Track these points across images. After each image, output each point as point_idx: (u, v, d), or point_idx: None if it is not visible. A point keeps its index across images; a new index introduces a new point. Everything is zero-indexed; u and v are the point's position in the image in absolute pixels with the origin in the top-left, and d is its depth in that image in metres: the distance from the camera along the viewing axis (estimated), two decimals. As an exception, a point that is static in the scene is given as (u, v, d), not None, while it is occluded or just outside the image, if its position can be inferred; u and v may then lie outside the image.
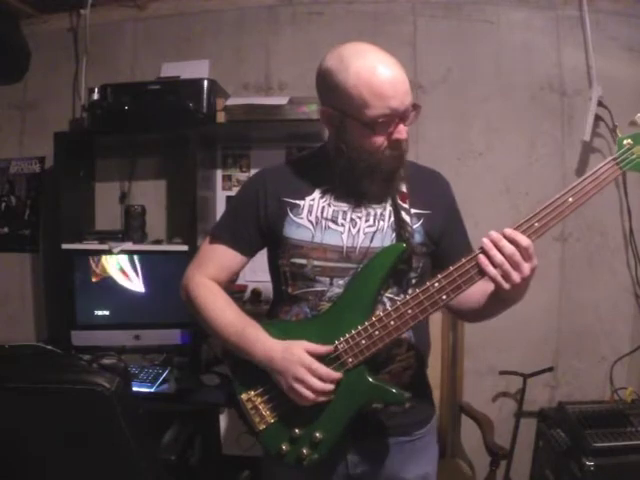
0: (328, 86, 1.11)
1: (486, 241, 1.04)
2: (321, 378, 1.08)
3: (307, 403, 1.10)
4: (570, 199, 1.05)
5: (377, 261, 1.13)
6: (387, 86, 1.06)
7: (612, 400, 2.27)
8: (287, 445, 1.14)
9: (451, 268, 1.07)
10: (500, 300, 1.13)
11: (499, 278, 1.03)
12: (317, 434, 1.12)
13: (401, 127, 1.10)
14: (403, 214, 1.17)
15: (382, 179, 1.16)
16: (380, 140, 1.10)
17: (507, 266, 1.02)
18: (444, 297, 1.07)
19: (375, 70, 1.06)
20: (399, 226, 1.17)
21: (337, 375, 1.09)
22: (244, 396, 1.18)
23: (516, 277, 1.02)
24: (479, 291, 1.15)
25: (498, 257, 1.02)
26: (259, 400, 1.17)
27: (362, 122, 1.08)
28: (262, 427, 1.16)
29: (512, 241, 1.02)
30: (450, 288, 1.06)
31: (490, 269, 1.03)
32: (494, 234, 1.04)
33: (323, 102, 1.16)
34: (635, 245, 2.34)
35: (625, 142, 1.07)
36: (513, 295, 1.08)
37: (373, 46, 1.11)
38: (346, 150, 1.15)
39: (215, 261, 1.25)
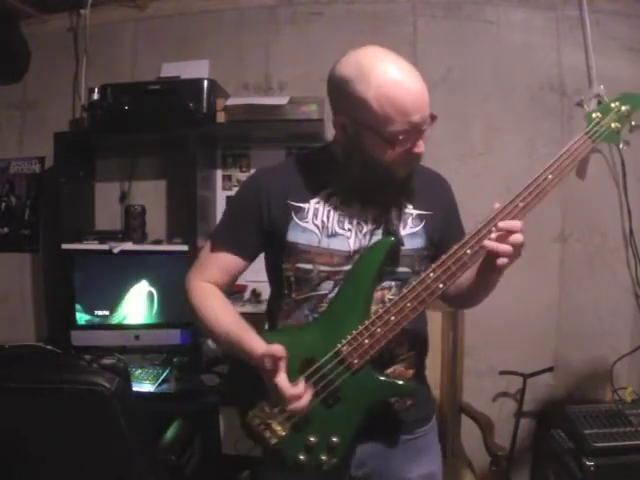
0: (344, 95, 1.08)
1: (490, 243, 1.06)
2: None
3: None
4: (550, 176, 1.09)
5: (367, 259, 1.13)
6: (410, 102, 1.04)
7: (612, 400, 2.27)
8: (304, 455, 1.12)
9: (444, 257, 1.08)
10: (487, 283, 1.17)
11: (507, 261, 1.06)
12: (333, 438, 1.11)
13: (420, 141, 1.09)
14: (392, 210, 1.17)
15: (394, 186, 1.15)
16: (398, 153, 1.08)
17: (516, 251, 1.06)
18: (441, 286, 1.08)
19: (398, 84, 1.03)
20: (386, 221, 1.17)
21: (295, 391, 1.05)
22: (250, 415, 1.14)
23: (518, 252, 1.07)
24: (465, 278, 1.16)
25: (507, 249, 1.05)
26: (267, 415, 1.13)
27: (382, 136, 1.06)
28: (274, 441, 1.13)
29: (510, 230, 1.05)
30: (445, 276, 1.08)
31: (501, 261, 1.06)
32: (493, 236, 1.06)
33: (337, 111, 1.12)
34: (635, 245, 2.34)
35: (594, 115, 1.12)
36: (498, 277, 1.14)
37: (391, 53, 1.07)
38: (359, 159, 1.12)
39: (215, 266, 1.23)
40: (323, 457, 1.11)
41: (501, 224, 1.06)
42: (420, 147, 1.09)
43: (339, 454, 1.12)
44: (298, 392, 1.05)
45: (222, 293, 1.24)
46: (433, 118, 1.10)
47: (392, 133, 1.05)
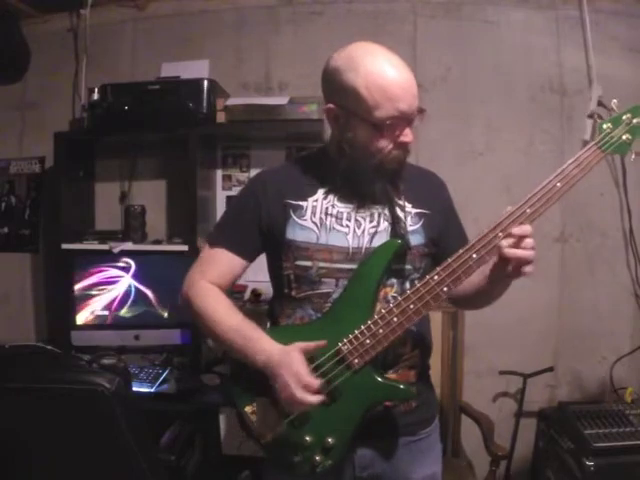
0: (335, 85, 1.11)
1: (508, 250, 1.05)
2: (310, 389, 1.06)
3: (299, 409, 1.08)
4: (558, 184, 1.08)
5: (374, 259, 1.13)
6: (397, 88, 1.06)
7: (612, 400, 2.27)
8: (298, 454, 1.12)
9: (449, 260, 1.08)
10: (500, 289, 1.17)
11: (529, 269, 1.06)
12: (329, 439, 1.10)
13: (407, 130, 1.11)
14: (398, 210, 1.18)
15: (385, 179, 1.16)
16: (386, 142, 1.10)
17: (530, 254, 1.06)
18: (445, 289, 1.08)
19: (386, 72, 1.07)
20: (394, 222, 1.17)
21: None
22: (248, 408, 1.15)
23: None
24: (471, 281, 1.16)
25: (530, 255, 1.05)
26: (264, 411, 1.14)
27: (370, 123, 1.08)
28: (269, 438, 1.13)
29: (522, 235, 1.05)
30: (450, 280, 1.08)
31: (529, 269, 1.06)
32: (505, 243, 1.06)
33: (329, 100, 1.15)
34: (635, 245, 2.34)
35: (605, 126, 1.11)
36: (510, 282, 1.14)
37: (382, 47, 1.11)
38: (349, 150, 1.14)
39: (217, 266, 1.23)
40: (317, 458, 1.11)
41: (516, 230, 1.06)
42: (408, 136, 1.11)
43: (334, 456, 1.11)
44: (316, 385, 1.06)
45: (225, 295, 1.23)
46: (421, 111, 1.12)
47: (380, 119, 1.08)
